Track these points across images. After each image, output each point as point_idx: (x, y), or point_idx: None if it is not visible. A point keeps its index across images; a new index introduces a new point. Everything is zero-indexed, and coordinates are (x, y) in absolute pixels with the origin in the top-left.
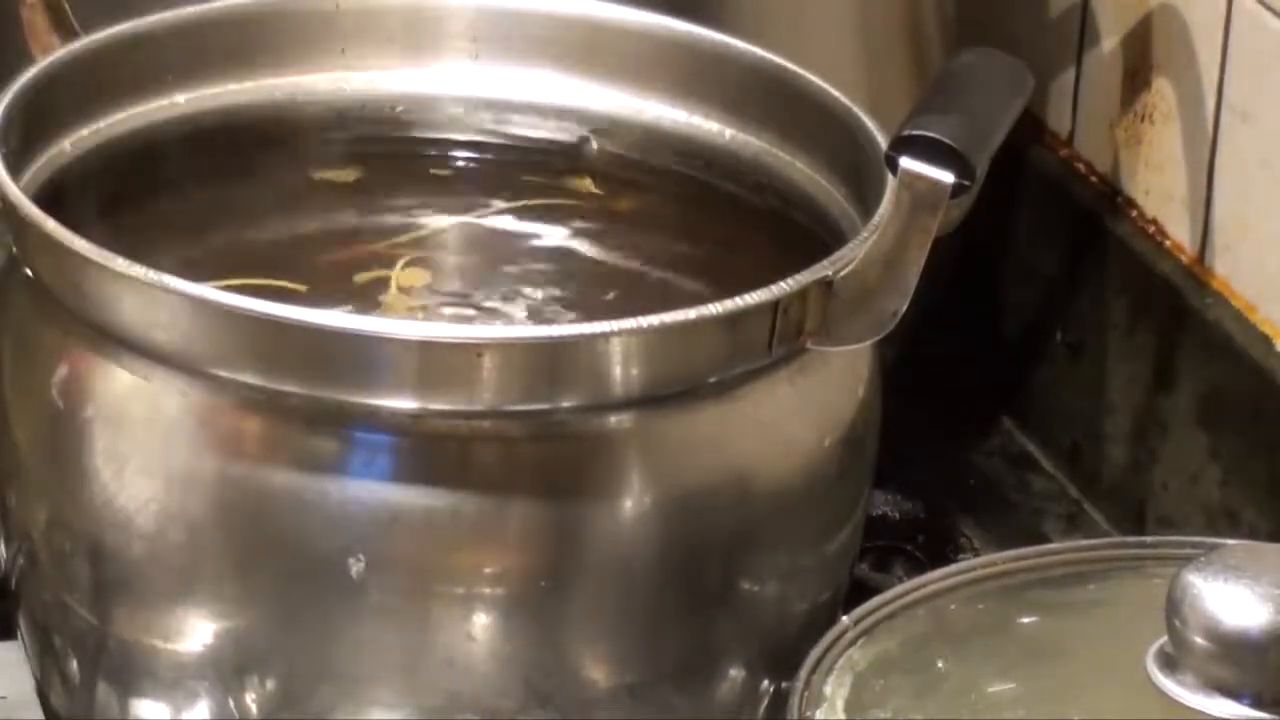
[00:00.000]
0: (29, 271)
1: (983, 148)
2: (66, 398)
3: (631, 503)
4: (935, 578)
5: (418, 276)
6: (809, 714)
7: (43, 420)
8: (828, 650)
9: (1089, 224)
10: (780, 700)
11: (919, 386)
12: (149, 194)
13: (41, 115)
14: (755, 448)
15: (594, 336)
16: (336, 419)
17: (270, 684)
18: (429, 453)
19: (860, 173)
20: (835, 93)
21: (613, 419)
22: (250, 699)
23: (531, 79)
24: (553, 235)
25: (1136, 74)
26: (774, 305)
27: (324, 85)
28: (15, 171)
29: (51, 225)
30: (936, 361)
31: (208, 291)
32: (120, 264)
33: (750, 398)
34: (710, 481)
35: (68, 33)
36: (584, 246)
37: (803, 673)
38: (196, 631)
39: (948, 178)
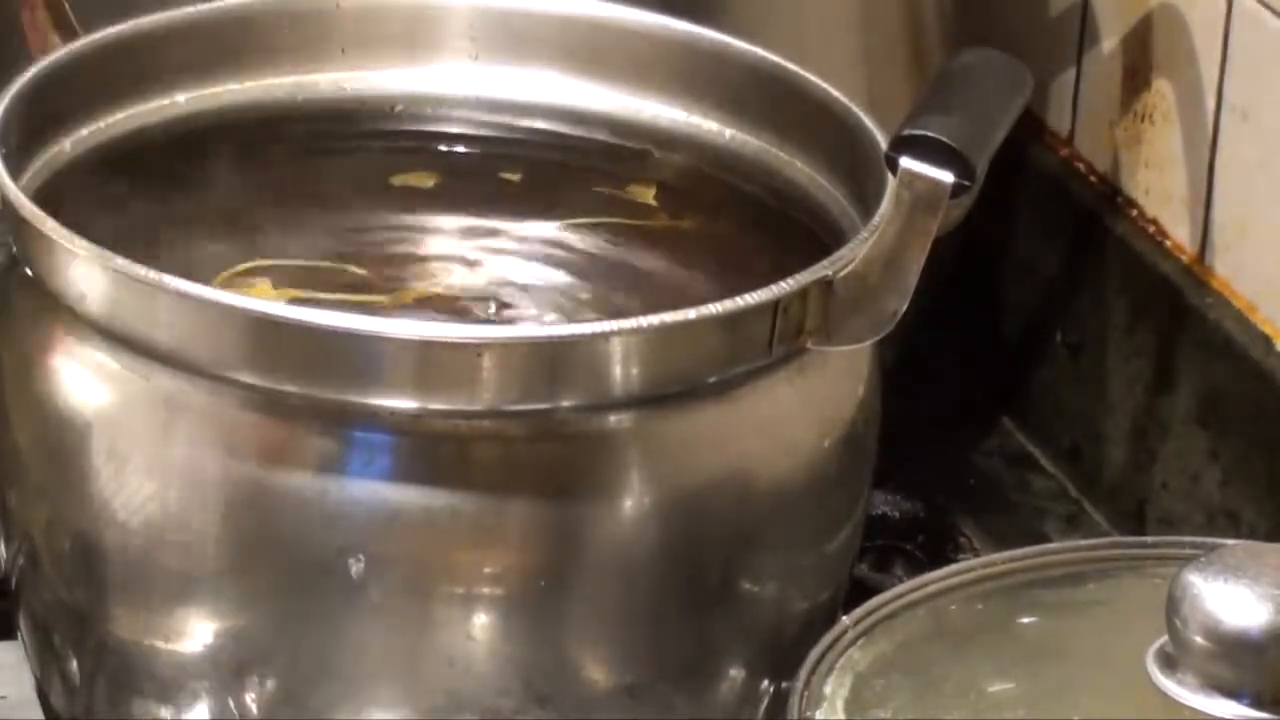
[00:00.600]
0: (29, 271)
1: (983, 148)
2: (66, 398)
3: (631, 503)
4: (935, 578)
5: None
6: (809, 714)
7: (43, 420)
8: (828, 650)
9: (1089, 224)
10: (780, 700)
11: (919, 386)
12: (149, 194)
13: (41, 115)
14: (755, 448)
15: (594, 336)
16: (336, 419)
17: (270, 684)
18: (429, 453)
19: (860, 173)
20: (835, 93)
21: (613, 419)
22: (250, 699)
23: (531, 79)
24: (554, 235)
25: (1136, 74)
26: (774, 305)
27: (324, 85)
28: (15, 171)
29: (51, 225)
30: (936, 361)
31: (208, 291)
32: (120, 264)
33: (750, 398)
34: (710, 481)
35: (68, 33)
36: (584, 246)
37: (803, 673)
38: (196, 631)
39: (948, 178)
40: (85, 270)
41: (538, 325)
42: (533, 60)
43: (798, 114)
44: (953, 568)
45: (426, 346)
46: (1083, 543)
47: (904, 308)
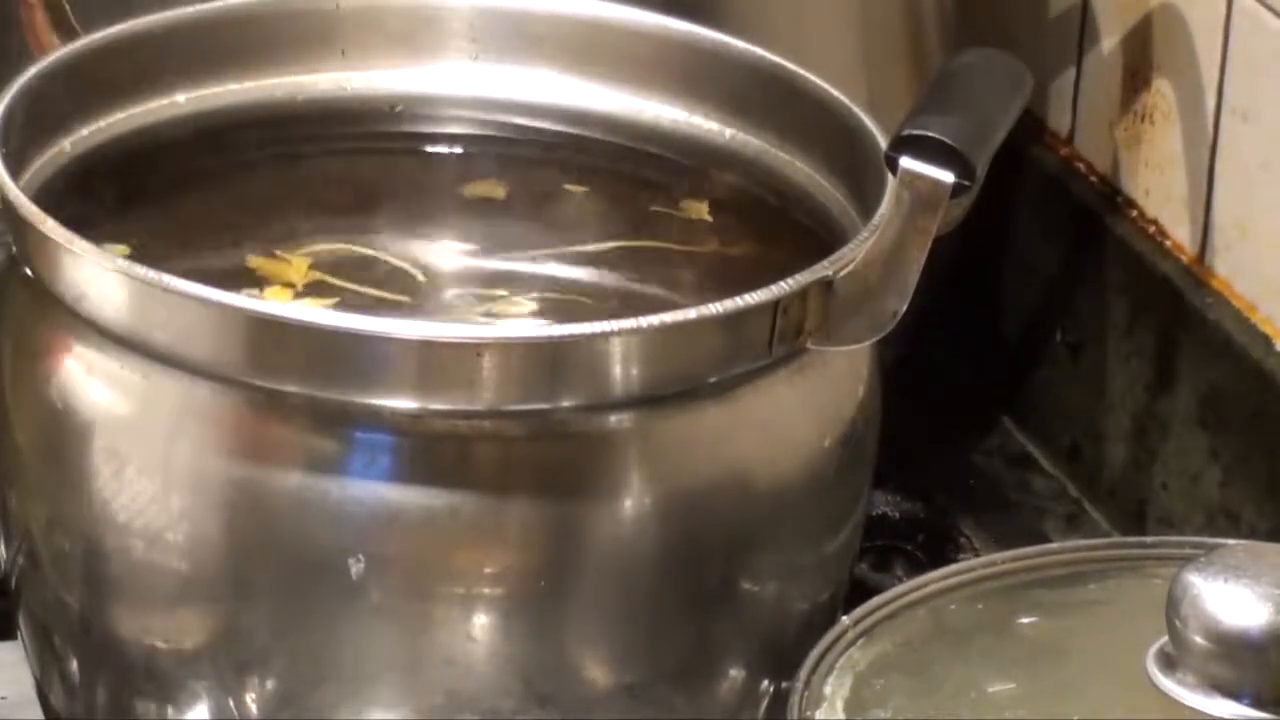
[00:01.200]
0: (29, 271)
1: (983, 148)
2: (66, 398)
3: (631, 503)
4: (935, 578)
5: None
6: (809, 714)
7: (43, 420)
8: (828, 650)
9: (1089, 224)
10: (780, 700)
11: (919, 386)
12: (149, 194)
13: (41, 115)
14: (755, 448)
15: (594, 336)
16: (337, 419)
17: (270, 684)
18: (429, 453)
19: (860, 173)
20: (835, 93)
21: (613, 419)
22: (250, 699)
23: (531, 79)
24: (553, 237)
25: (1136, 74)
26: (774, 305)
27: (324, 85)
28: (15, 171)
29: (51, 225)
30: (936, 361)
31: (208, 291)
32: (120, 264)
33: (750, 398)
34: (710, 481)
35: (68, 33)
36: (585, 246)
37: (803, 673)
38: (196, 631)
39: (948, 177)
40: (85, 270)
41: (538, 325)
42: (533, 60)
43: (798, 114)
44: (953, 568)
45: (427, 346)
46: (1083, 543)
47: (904, 308)
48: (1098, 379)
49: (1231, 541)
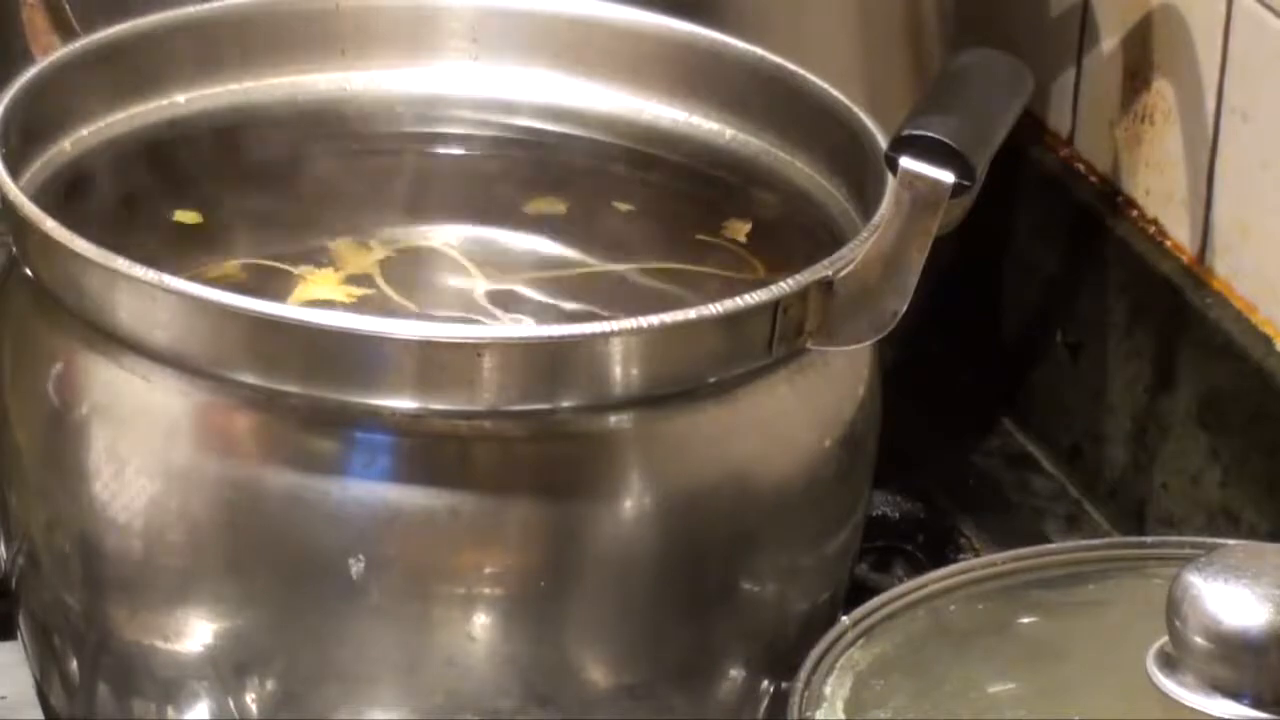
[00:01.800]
0: (29, 271)
1: (983, 148)
2: (66, 398)
3: (631, 503)
4: (935, 578)
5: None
6: (809, 714)
7: (43, 420)
8: (828, 650)
9: (1089, 224)
10: (780, 700)
11: (919, 386)
12: (149, 194)
13: (41, 115)
14: (755, 448)
15: (594, 336)
16: (336, 419)
17: (270, 684)
18: (429, 453)
19: (860, 173)
20: (835, 93)
21: (613, 419)
22: (250, 699)
23: (531, 79)
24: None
25: (1136, 74)
26: (774, 305)
27: (324, 85)
28: (15, 171)
29: (51, 225)
30: (936, 361)
31: (208, 291)
32: (120, 264)
33: (750, 398)
34: (710, 481)
35: (68, 33)
36: (587, 245)
37: (803, 673)
38: (196, 631)
39: (948, 178)
40: (85, 270)
41: (538, 325)
42: (533, 60)
43: (798, 114)
44: (953, 568)
45: (427, 346)
46: (1083, 543)
47: (904, 308)
48: (1098, 379)
49: (1231, 541)
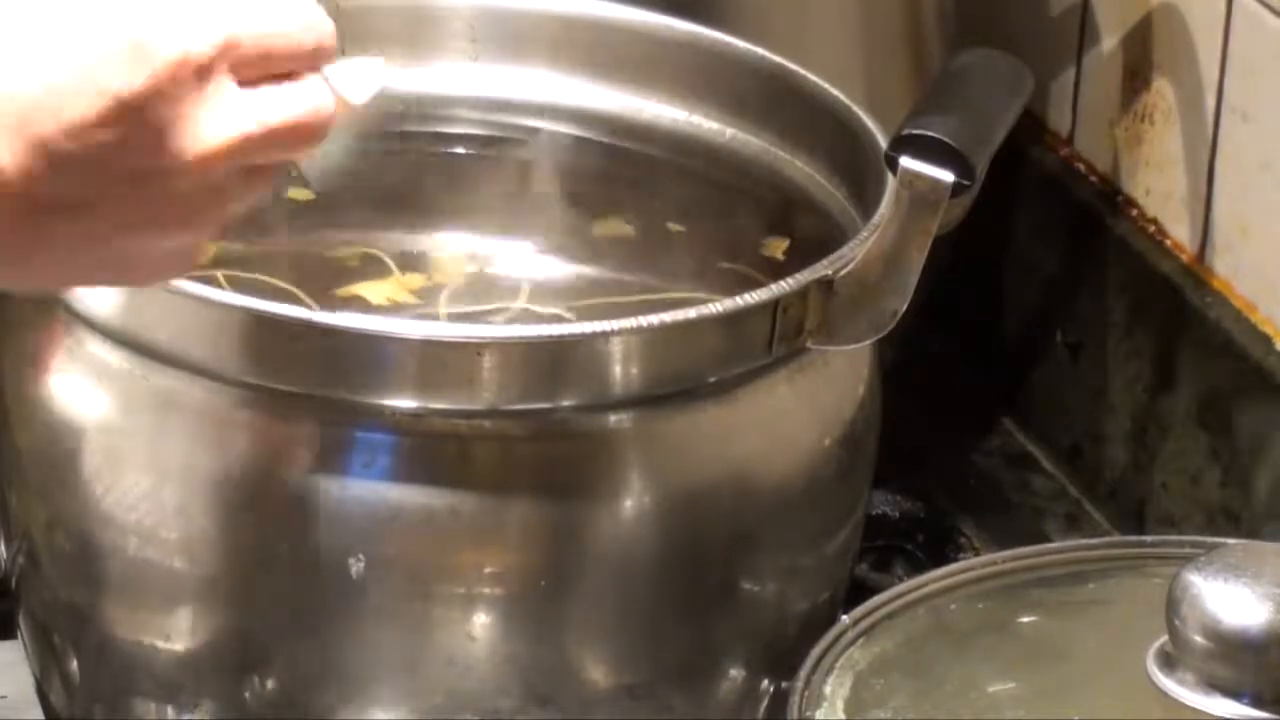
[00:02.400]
0: None
1: (983, 148)
2: (66, 398)
3: (631, 502)
4: (935, 578)
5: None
6: (809, 714)
7: (43, 420)
8: (828, 650)
9: (1089, 223)
10: (780, 700)
11: (919, 386)
12: None
13: None
14: (755, 448)
15: (594, 336)
16: (336, 419)
17: (270, 684)
18: (429, 452)
19: (860, 172)
20: (835, 93)
21: (613, 419)
22: (250, 699)
23: (531, 79)
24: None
25: (1136, 74)
26: (774, 305)
27: None
28: None
29: None
30: (936, 361)
31: (208, 291)
32: None
33: (750, 398)
34: (710, 481)
35: None
36: (588, 245)
37: (803, 673)
38: (196, 631)
39: (948, 177)
40: None
41: (538, 325)
42: (533, 60)
43: (798, 114)
44: (953, 567)
45: (427, 346)
46: (1083, 543)
47: (904, 307)
48: (1098, 379)
49: (1231, 541)
